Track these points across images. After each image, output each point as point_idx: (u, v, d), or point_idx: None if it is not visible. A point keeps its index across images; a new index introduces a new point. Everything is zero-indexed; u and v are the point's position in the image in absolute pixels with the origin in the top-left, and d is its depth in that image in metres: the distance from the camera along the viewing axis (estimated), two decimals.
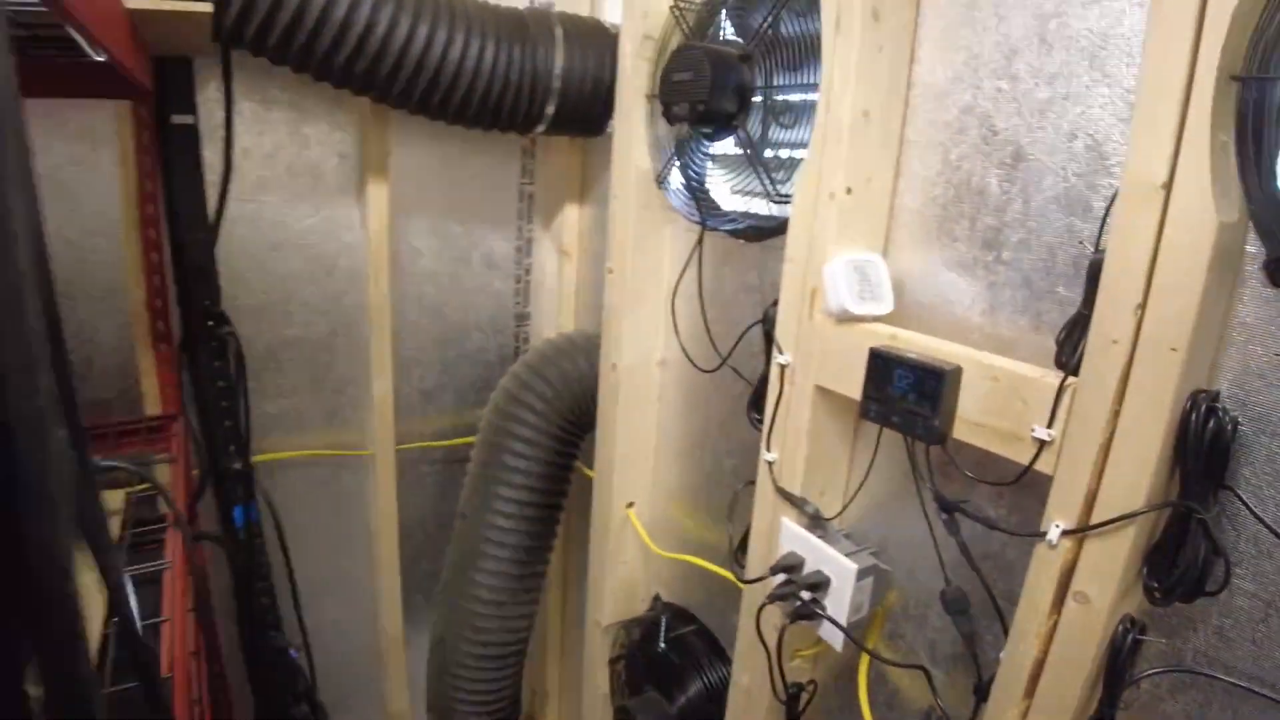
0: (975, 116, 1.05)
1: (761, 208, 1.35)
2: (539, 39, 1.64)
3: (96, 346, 1.66)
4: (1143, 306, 0.79)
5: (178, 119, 1.55)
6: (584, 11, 1.93)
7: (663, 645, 1.73)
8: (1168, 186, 0.77)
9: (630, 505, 1.78)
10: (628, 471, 1.75)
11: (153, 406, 1.66)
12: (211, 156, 1.66)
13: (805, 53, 1.22)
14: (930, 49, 1.10)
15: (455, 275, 2.07)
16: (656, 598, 1.84)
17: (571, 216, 2.06)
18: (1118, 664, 0.89)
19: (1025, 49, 0.99)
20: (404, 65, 1.48)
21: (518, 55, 1.60)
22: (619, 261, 1.62)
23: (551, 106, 1.68)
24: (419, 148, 1.92)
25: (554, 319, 2.15)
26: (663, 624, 1.74)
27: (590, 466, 1.86)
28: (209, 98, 1.65)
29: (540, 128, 1.72)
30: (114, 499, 1.27)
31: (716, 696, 1.60)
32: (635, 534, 1.78)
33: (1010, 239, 1.02)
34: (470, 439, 2.00)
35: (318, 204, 1.83)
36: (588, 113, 1.73)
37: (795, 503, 1.22)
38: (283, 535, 1.86)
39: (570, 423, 1.87)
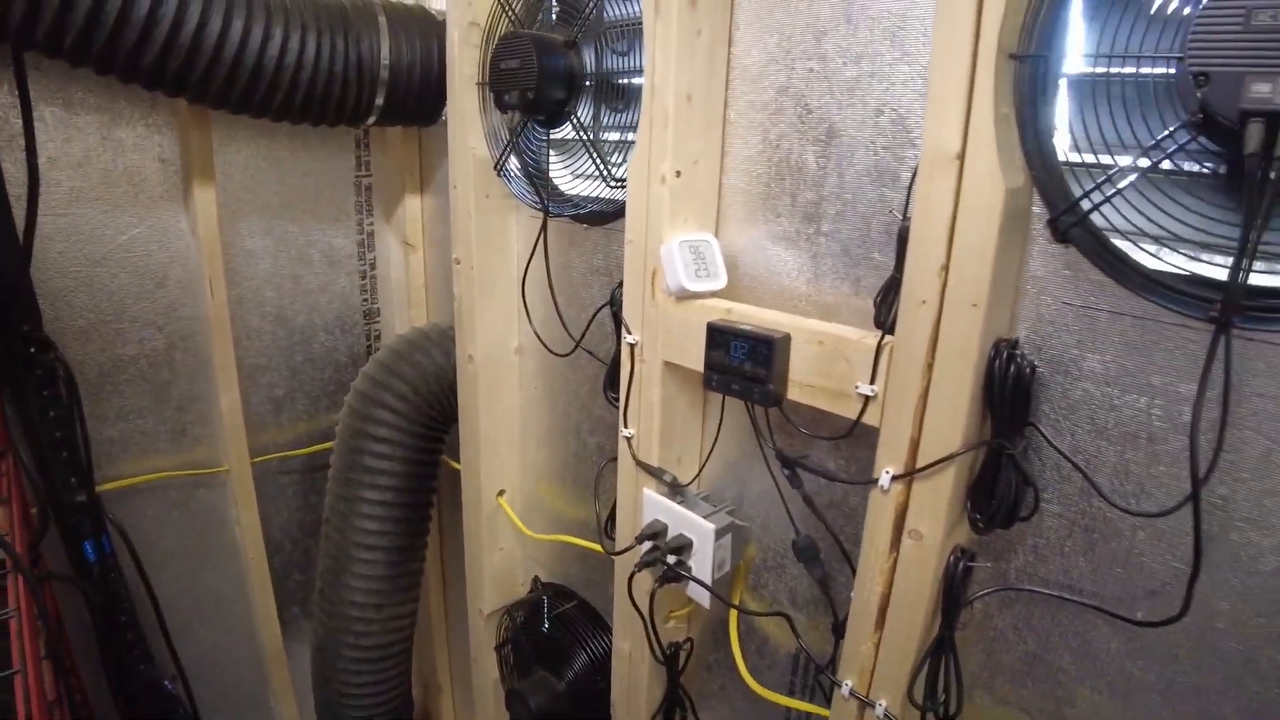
0: (790, 96, 1.12)
1: (602, 191, 1.38)
2: (363, 28, 1.59)
3: None
4: (946, 268, 0.88)
5: None
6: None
7: (546, 625, 1.77)
8: (961, 157, 0.86)
9: (501, 493, 1.79)
10: (495, 460, 1.76)
11: None
12: (12, 169, 1.51)
13: (631, 36, 1.26)
14: (746, 31, 1.16)
15: (295, 276, 1.98)
16: (536, 579, 1.87)
17: (413, 207, 2.02)
18: (952, 590, 0.99)
19: (833, 30, 1.07)
20: (219, 63, 1.40)
21: (341, 46, 1.54)
22: (465, 252, 1.62)
23: (381, 97, 1.64)
24: (245, 145, 1.82)
25: (405, 313, 2.11)
26: (544, 604, 1.77)
27: (457, 459, 1.86)
28: (2, 103, 1.50)
29: (371, 119, 1.67)
30: None
31: (602, 667, 1.66)
32: (508, 520, 1.80)
33: (829, 211, 1.10)
34: (328, 445, 1.94)
35: (140, 213, 1.71)
36: (419, 102, 1.69)
37: (654, 473, 1.27)
38: (141, 565, 1.75)
39: (431, 418, 1.85)
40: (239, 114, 1.53)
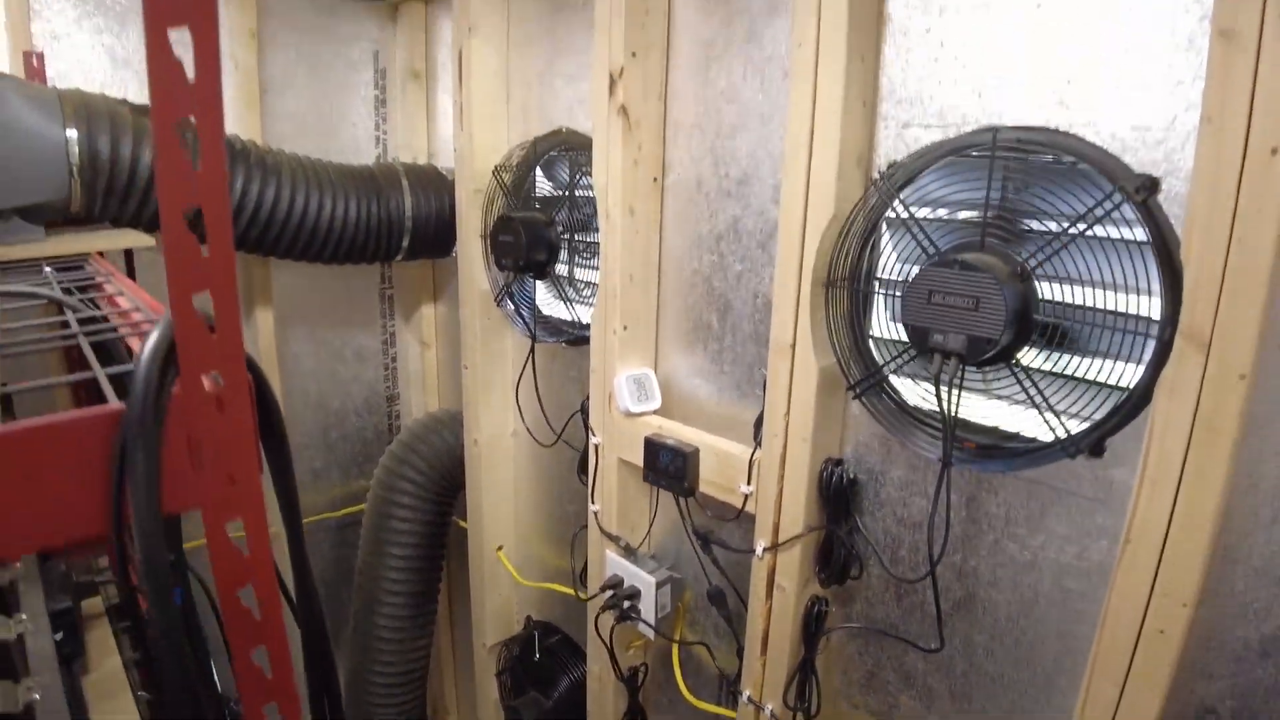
0: (701, 277, 1.59)
1: (575, 319, 1.85)
2: (390, 190, 2.07)
3: None
4: (788, 414, 1.35)
5: None
6: (423, 149, 2.37)
7: (537, 655, 2.21)
8: (792, 346, 1.32)
9: (499, 547, 2.24)
10: (495, 521, 2.21)
11: None
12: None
13: (595, 210, 1.72)
14: (671, 230, 1.63)
15: (333, 370, 2.45)
16: (528, 618, 2.31)
17: (428, 313, 2.50)
18: (809, 627, 1.44)
19: (727, 236, 1.54)
20: (287, 230, 1.88)
21: (375, 208, 2.02)
22: (471, 360, 2.08)
23: (406, 241, 2.11)
24: (295, 272, 2.30)
25: (420, 398, 2.57)
26: (535, 639, 2.21)
27: (464, 518, 2.31)
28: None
29: (398, 257, 2.15)
30: None
31: (581, 686, 2.09)
32: (505, 570, 2.25)
33: (727, 359, 1.57)
34: (357, 507, 2.40)
35: None
36: (435, 243, 2.17)
37: (613, 539, 1.73)
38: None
39: (443, 487, 2.31)
40: (299, 261, 2.00)
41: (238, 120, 2.07)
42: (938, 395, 1.12)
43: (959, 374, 1.09)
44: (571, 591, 2.04)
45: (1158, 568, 1.01)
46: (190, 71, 0.56)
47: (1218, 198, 0.91)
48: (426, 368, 2.53)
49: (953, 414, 1.14)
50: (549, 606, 2.26)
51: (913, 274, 1.14)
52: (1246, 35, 0.87)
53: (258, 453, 0.67)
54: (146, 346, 0.59)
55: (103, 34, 1.98)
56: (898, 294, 1.22)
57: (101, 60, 1.99)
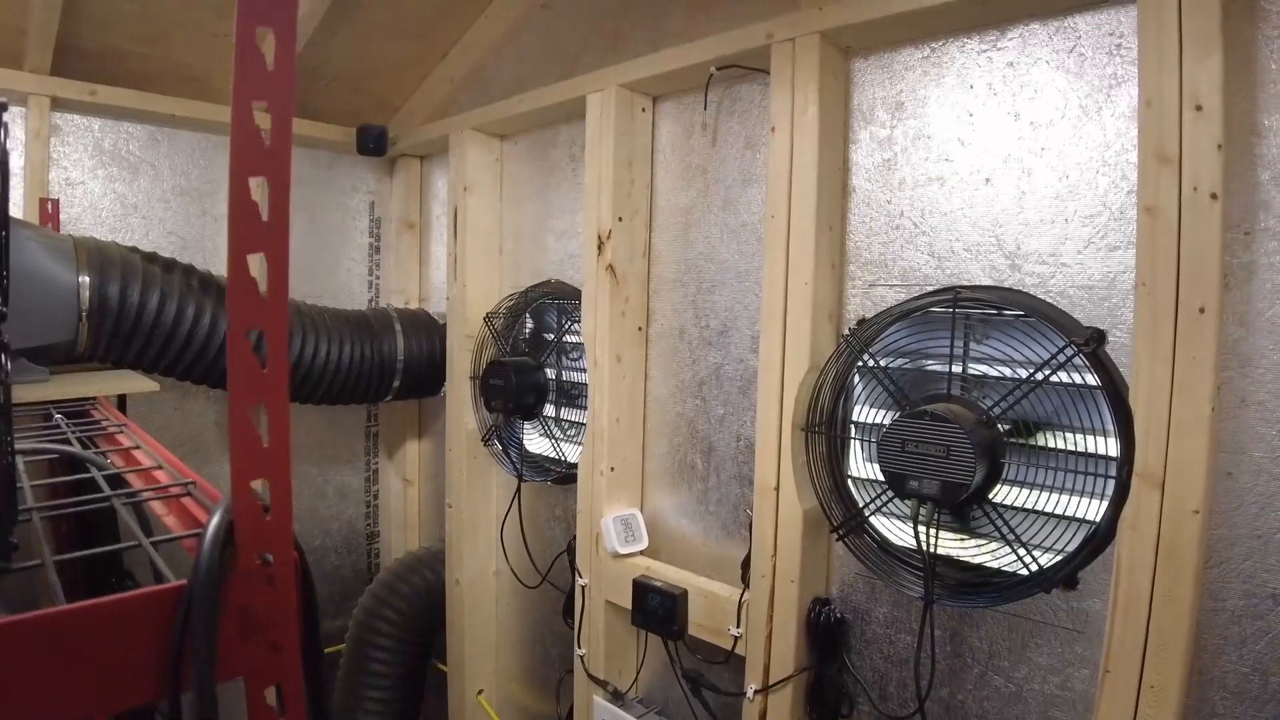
0: (685, 420, 1.67)
1: (561, 456, 1.91)
2: (383, 333, 2.15)
3: None
4: (774, 555, 1.40)
5: None
6: (414, 294, 2.48)
7: None
8: (776, 489, 1.39)
9: (480, 691, 2.20)
10: (475, 663, 2.18)
11: None
12: None
13: (582, 353, 1.82)
14: (656, 374, 1.73)
15: (313, 509, 2.46)
16: None
17: (412, 451, 2.54)
18: None
19: (709, 381, 1.64)
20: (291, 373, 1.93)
21: (369, 351, 2.10)
22: (456, 499, 2.11)
23: (397, 381, 2.18)
24: None
25: (401, 535, 2.57)
26: None
27: (443, 661, 2.27)
28: None
29: (389, 397, 2.21)
30: None
31: None
32: (487, 716, 2.19)
33: (712, 498, 1.63)
34: (335, 647, 2.34)
35: (198, 465, 2.18)
36: (425, 383, 2.24)
37: (600, 684, 1.72)
38: None
39: (423, 627, 2.28)
40: (290, 402, 2.05)
41: None
42: (916, 536, 1.19)
43: (936, 517, 1.17)
44: None
45: (1138, 695, 1.05)
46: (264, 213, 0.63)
47: (1157, 351, 1.03)
48: (408, 505, 2.55)
49: (932, 553, 1.20)
50: None
51: (886, 420, 1.23)
52: (1167, 212, 1.02)
53: (299, 623, 0.72)
54: (210, 526, 0.64)
55: (115, 182, 2.10)
56: (872, 440, 1.31)
57: (113, 206, 2.09)
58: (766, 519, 1.40)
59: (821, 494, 1.37)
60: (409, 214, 2.53)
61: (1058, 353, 1.14)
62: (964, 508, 1.22)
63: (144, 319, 1.74)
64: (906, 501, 1.23)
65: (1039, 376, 1.14)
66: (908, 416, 1.18)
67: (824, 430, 1.37)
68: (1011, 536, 1.18)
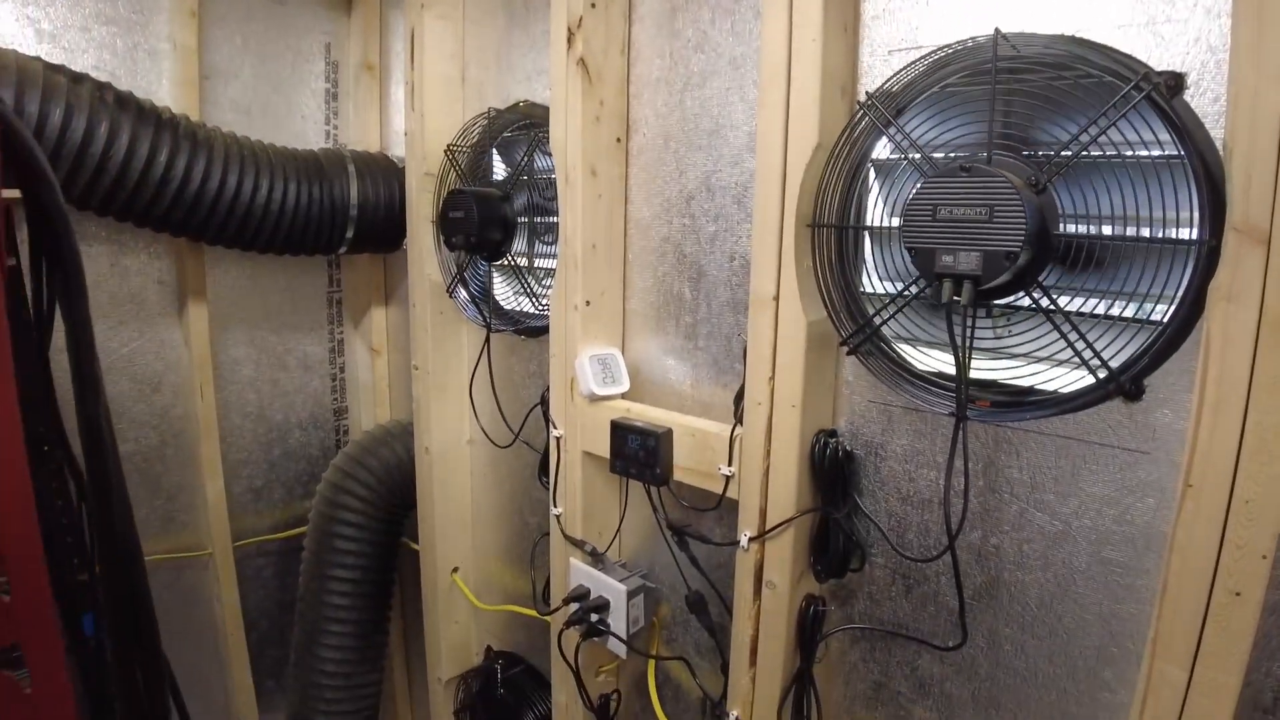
0: (671, 244, 1.43)
1: (534, 310, 1.68)
2: (335, 176, 1.90)
3: None
4: (772, 378, 1.18)
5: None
6: (375, 143, 2.22)
7: (500, 689, 1.97)
8: (776, 299, 1.16)
9: (455, 570, 2.02)
10: (449, 540, 2.00)
11: None
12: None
13: (553, 185, 1.57)
14: (637, 194, 1.48)
15: (274, 380, 2.25)
16: (488, 648, 2.08)
17: (379, 318, 2.31)
18: (805, 630, 1.25)
19: (698, 195, 1.39)
20: (218, 211, 1.70)
21: (317, 193, 1.85)
22: (422, 359, 1.89)
23: (350, 231, 1.94)
24: (233, 267, 2.11)
25: (371, 410, 2.37)
26: (496, 671, 1.98)
27: (415, 541, 2.09)
28: (25, 238, 1.77)
29: (342, 249, 1.97)
30: None
31: None
32: (462, 595, 2.02)
33: (702, 331, 1.40)
34: (302, 529, 2.17)
35: (141, 328, 1.98)
36: (384, 234, 2.00)
37: (578, 544, 1.53)
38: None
39: (393, 504, 2.09)
40: (231, 248, 1.82)
41: (174, 104, 1.90)
42: (949, 327, 0.96)
43: (973, 300, 0.93)
44: (531, 612, 1.83)
45: (1227, 514, 0.84)
46: None
47: (1264, 63, 0.77)
48: (377, 377, 2.33)
49: (968, 349, 0.97)
50: (511, 635, 2.04)
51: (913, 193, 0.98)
52: None
53: None
54: None
55: (28, 6, 1.83)
56: (891, 235, 1.07)
57: (27, 35, 1.83)
58: (764, 335, 1.17)
59: (830, 303, 1.14)
60: (368, 55, 2.25)
61: (1125, 92, 0.88)
62: (1007, 295, 0.98)
63: (44, 136, 1.49)
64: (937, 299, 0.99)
65: (1101, 125, 0.89)
66: (940, 175, 0.94)
67: (834, 227, 1.12)
68: (1069, 329, 0.95)
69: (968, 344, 0.97)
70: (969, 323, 0.96)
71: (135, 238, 1.94)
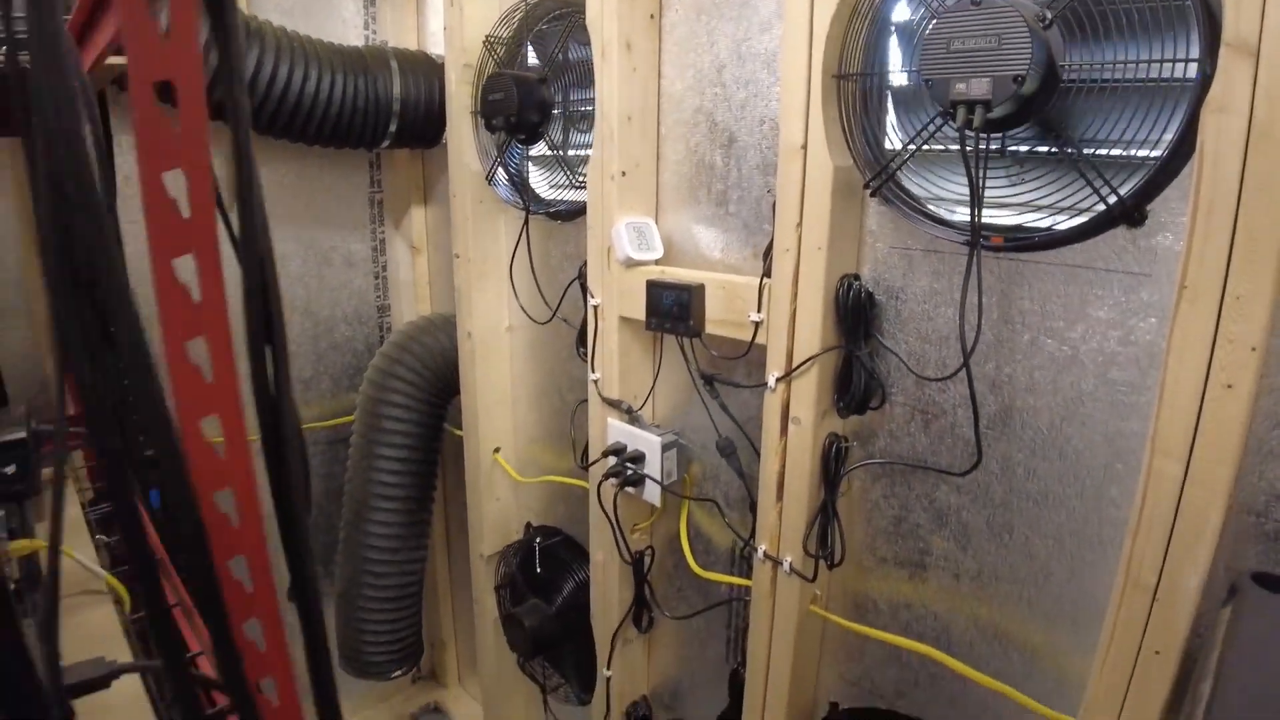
0: (703, 114, 1.50)
1: (569, 195, 1.76)
2: (378, 71, 1.98)
3: (8, 354, 1.85)
4: (800, 225, 1.25)
5: None
6: (412, 45, 2.29)
7: (538, 564, 2.10)
8: (804, 147, 1.23)
9: (497, 450, 2.14)
10: (491, 422, 2.12)
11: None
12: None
13: (588, 73, 1.64)
14: (670, 68, 1.54)
15: (320, 275, 2.36)
16: (528, 524, 2.21)
17: (418, 217, 2.41)
18: (829, 465, 1.35)
19: (729, 63, 1.45)
20: (269, 100, 1.79)
21: (362, 86, 1.93)
22: (463, 247, 1.99)
23: (394, 125, 2.02)
24: (280, 166, 2.21)
25: (412, 307, 2.48)
26: (535, 544, 2.11)
27: (458, 428, 2.21)
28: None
29: (385, 143, 2.06)
30: None
31: (585, 588, 1.99)
32: (504, 473, 2.15)
33: (732, 197, 1.48)
34: (348, 418, 2.30)
35: None
36: (424, 129, 2.08)
37: (615, 405, 1.63)
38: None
39: (437, 389, 2.21)
40: (280, 139, 1.91)
41: None
42: (963, 150, 1.03)
43: (984, 124, 1.00)
44: (574, 481, 1.95)
45: (1219, 311, 0.91)
46: None
47: None
48: (417, 275, 2.44)
49: (981, 179, 1.05)
50: (550, 509, 2.17)
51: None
52: None
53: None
54: None
55: None
56: (910, 93, 1.13)
57: None
58: (792, 184, 1.25)
59: (855, 150, 1.21)
60: None
61: None
62: (1017, 123, 1.05)
63: None
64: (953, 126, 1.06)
65: None
66: (952, 11, 1.00)
67: (858, 74, 1.19)
68: (1079, 157, 1.01)
69: (981, 170, 1.04)
70: (982, 148, 1.03)
71: None
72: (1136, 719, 1.05)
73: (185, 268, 0.58)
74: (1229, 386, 0.93)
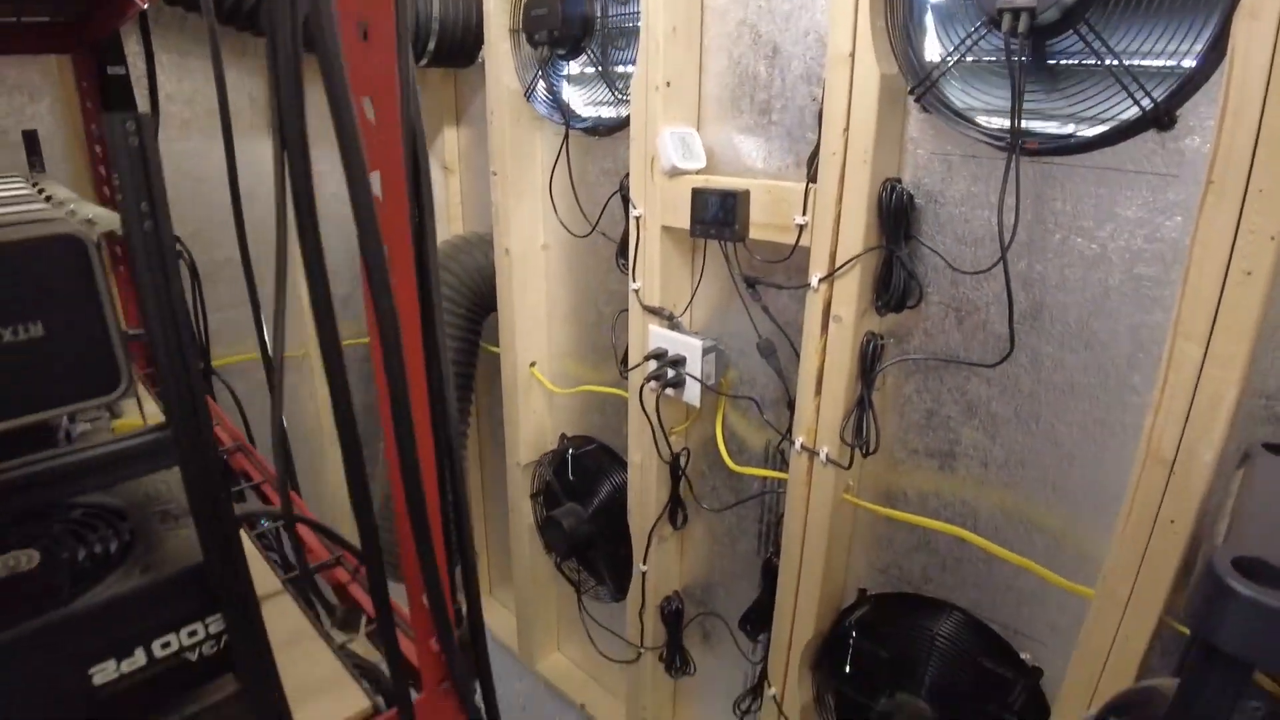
0: (747, 26, 1.55)
1: (608, 111, 1.81)
2: None
3: None
4: (846, 130, 1.32)
5: (112, 70, 1.82)
6: None
7: (571, 472, 2.21)
8: (851, 55, 1.29)
9: (533, 364, 2.23)
10: (527, 338, 2.20)
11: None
12: (140, 102, 1.93)
13: None
14: None
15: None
16: (562, 435, 2.32)
17: (451, 138, 2.45)
18: (866, 361, 1.44)
19: None
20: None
21: None
22: (500, 165, 2.04)
23: (432, 44, 2.05)
24: (316, 85, 2.23)
25: (445, 227, 2.54)
26: (569, 453, 2.21)
27: (492, 345, 2.29)
28: (131, 51, 1.91)
29: (423, 61, 2.09)
30: None
31: (620, 490, 2.10)
32: (540, 386, 2.24)
33: (775, 106, 1.53)
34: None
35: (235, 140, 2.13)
36: (461, 48, 2.11)
37: (657, 312, 1.71)
38: (246, 420, 2.19)
39: (474, 304, 2.28)
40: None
41: None
42: (1007, 57, 1.10)
43: (1029, 30, 1.06)
44: (612, 390, 2.04)
45: (1243, 203, 0.99)
46: None
47: None
48: (450, 195, 2.49)
49: (1021, 82, 1.11)
50: (585, 420, 2.27)
51: None
52: None
53: None
54: None
55: None
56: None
57: None
58: (839, 91, 1.31)
59: (900, 56, 1.27)
60: None
61: None
62: (1059, 31, 1.11)
63: None
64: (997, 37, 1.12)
65: None
66: None
67: None
68: (1117, 65, 1.08)
69: (1021, 75, 1.11)
70: (1023, 58, 1.09)
71: (228, 53, 2.07)
72: (1151, 585, 1.16)
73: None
74: (1248, 273, 1.01)
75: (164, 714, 0.64)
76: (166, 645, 0.62)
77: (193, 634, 0.63)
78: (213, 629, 0.64)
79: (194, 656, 0.64)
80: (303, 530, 1.31)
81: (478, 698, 0.90)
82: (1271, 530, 0.82)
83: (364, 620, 1.09)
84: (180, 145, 2.06)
